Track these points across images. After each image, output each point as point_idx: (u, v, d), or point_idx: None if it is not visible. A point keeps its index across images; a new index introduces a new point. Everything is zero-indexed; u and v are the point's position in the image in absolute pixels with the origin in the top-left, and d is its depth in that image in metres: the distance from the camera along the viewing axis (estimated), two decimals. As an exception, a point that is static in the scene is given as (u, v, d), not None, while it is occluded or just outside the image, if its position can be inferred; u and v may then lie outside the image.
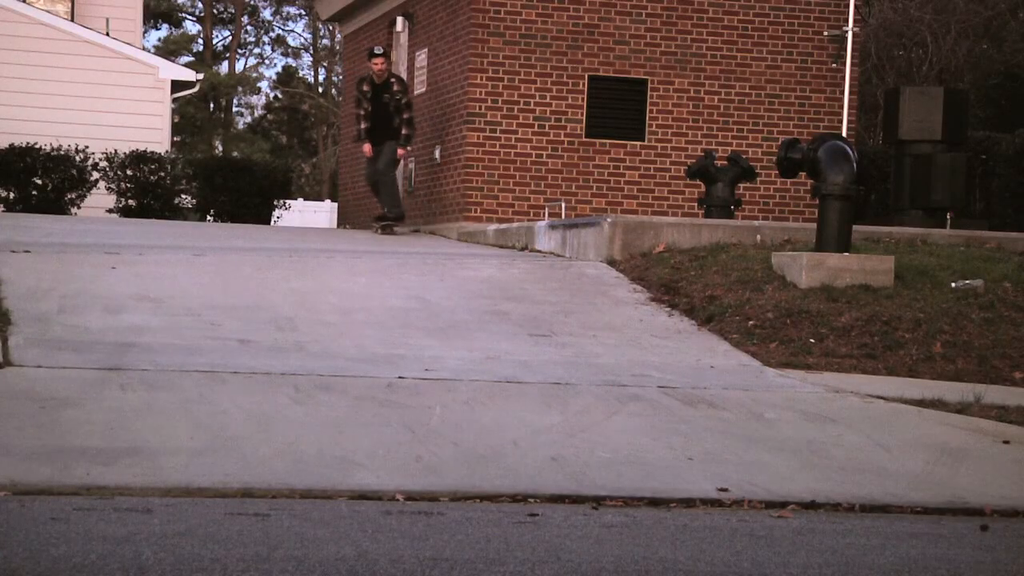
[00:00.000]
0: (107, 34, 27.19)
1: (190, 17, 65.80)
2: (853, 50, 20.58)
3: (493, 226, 18.72)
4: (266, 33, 67.58)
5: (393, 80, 19.20)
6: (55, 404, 8.40)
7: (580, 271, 14.41)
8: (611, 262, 14.74)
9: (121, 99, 25.87)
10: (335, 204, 34.13)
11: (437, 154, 20.95)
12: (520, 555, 5.88)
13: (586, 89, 20.21)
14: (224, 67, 64.41)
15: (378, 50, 19.19)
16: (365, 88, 19.12)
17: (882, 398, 10.06)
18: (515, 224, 18.28)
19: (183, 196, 24.20)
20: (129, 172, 23.65)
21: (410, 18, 22.61)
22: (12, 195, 23.13)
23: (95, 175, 23.58)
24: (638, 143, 20.40)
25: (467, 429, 8.48)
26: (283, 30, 68.82)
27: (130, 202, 23.64)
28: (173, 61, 34.10)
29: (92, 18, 28.35)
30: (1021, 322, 12.40)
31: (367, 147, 19.22)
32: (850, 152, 13.60)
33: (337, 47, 60.24)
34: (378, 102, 19.13)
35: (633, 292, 13.46)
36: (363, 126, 19.22)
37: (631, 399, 9.50)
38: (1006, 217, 20.22)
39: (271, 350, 10.39)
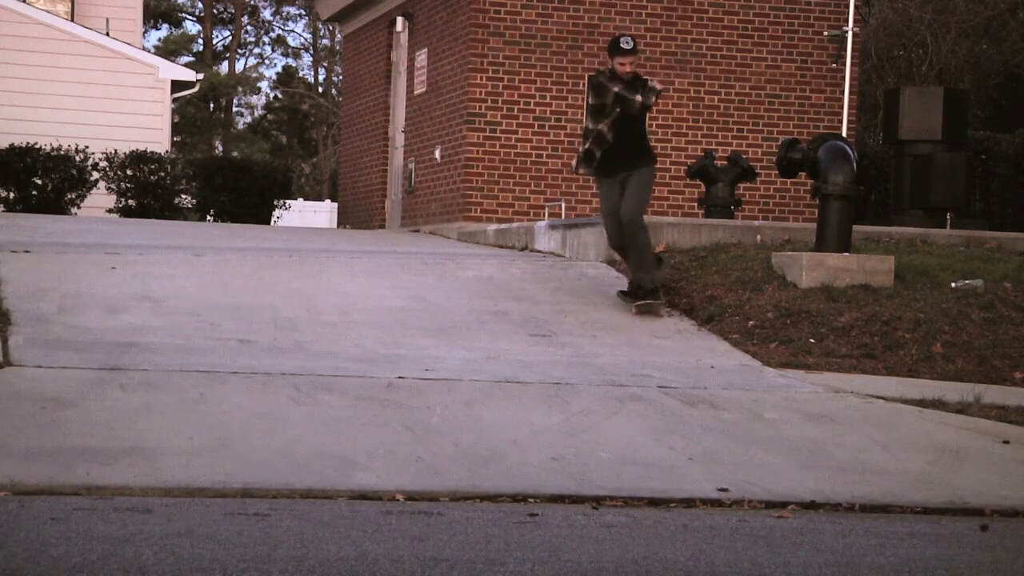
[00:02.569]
0: (107, 34, 27.19)
1: (190, 17, 65.83)
2: (853, 50, 20.58)
3: (493, 226, 18.72)
4: (266, 33, 67.60)
5: (647, 79, 13.17)
6: (55, 404, 8.40)
7: (580, 271, 14.41)
8: (611, 262, 14.74)
9: (121, 99, 25.87)
10: (335, 204, 34.15)
11: (437, 154, 20.95)
12: (520, 555, 5.88)
13: (586, 89, 20.20)
14: (224, 67, 64.42)
15: (627, 44, 12.77)
16: (616, 89, 12.76)
17: (882, 398, 10.06)
18: (515, 224, 18.28)
19: (183, 196, 24.20)
20: (129, 172, 23.65)
21: (410, 18, 22.61)
22: (12, 195, 23.13)
23: (95, 175, 23.58)
24: (638, 143, 20.37)
25: (467, 429, 8.48)
26: (283, 30, 68.84)
27: (130, 202, 23.65)
28: (173, 61, 34.10)
29: (92, 18, 28.35)
30: (1021, 322, 12.40)
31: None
32: (850, 152, 13.60)
33: (337, 47, 60.25)
34: (628, 105, 12.79)
35: (633, 292, 13.45)
36: (596, 151, 12.89)
37: (631, 399, 9.50)
38: (1006, 217, 20.22)
39: (271, 350, 10.39)
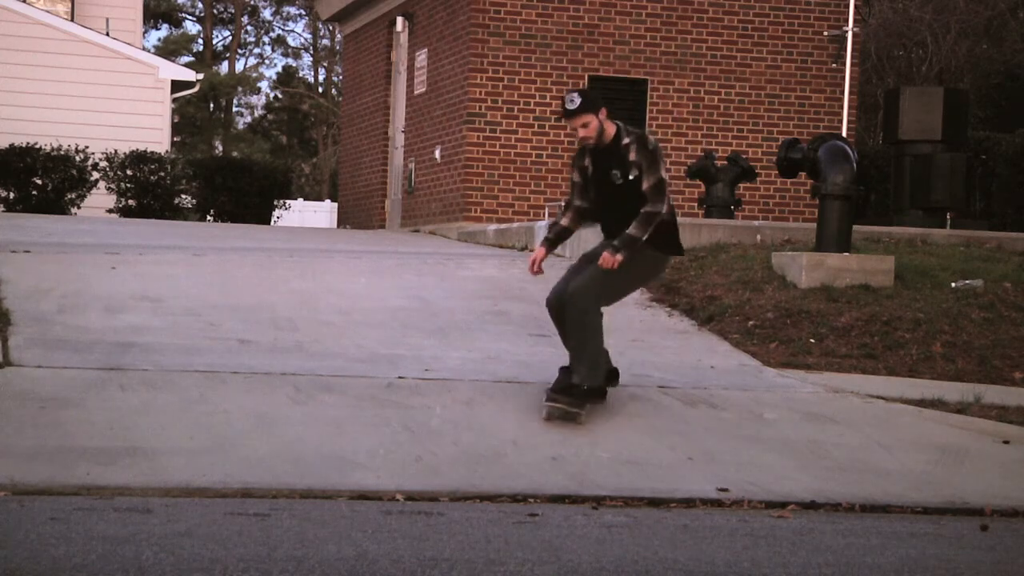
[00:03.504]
0: (107, 34, 27.19)
1: (190, 17, 65.84)
2: (853, 50, 20.58)
3: (493, 226, 18.72)
4: (266, 33, 67.62)
5: (628, 142, 9.35)
6: (55, 404, 8.40)
7: (580, 271, 14.40)
8: (611, 262, 14.72)
9: (121, 99, 25.87)
10: (335, 204, 34.15)
11: (437, 154, 20.96)
12: (520, 555, 5.88)
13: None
14: (224, 67, 64.43)
15: (572, 103, 9.29)
16: (586, 164, 9.53)
17: (882, 398, 10.06)
18: (515, 224, 18.28)
19: (183, 196, 24.21)
20: (129, 172, 23.66)
21: (410, 18, 22.62)
22: (12, 195, 23.14)
23: (95, 175, 23.59)
24: (638, 143, 20.37)
25: (467, 429, 8.47)
26: (283, 30, 68.88)
27: (130, 202, 23.65)
28: (173, 61, 34.10)
29: (92, 18, 28.35)
30: (1021, 322, 12.41)
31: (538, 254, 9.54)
32: (850, 152, 13.60)
33: (337, 47, 60.26)
34: (604, 185, 9.43)
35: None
36: (563, 222, 9.62)
37: (631, 399, 9.50)
38: (1006, 217, 20.22)
39: (271, 350, 10.39)
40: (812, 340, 11.84)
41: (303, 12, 64.94)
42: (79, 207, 23.41)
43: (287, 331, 11.11)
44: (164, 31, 65.89)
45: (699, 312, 12.64)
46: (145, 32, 49.07)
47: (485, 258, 15.22)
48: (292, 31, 76.40)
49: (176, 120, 40.62)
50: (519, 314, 12.38)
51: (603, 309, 9.29)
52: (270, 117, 67.48)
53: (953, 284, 13.14)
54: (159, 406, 8.52)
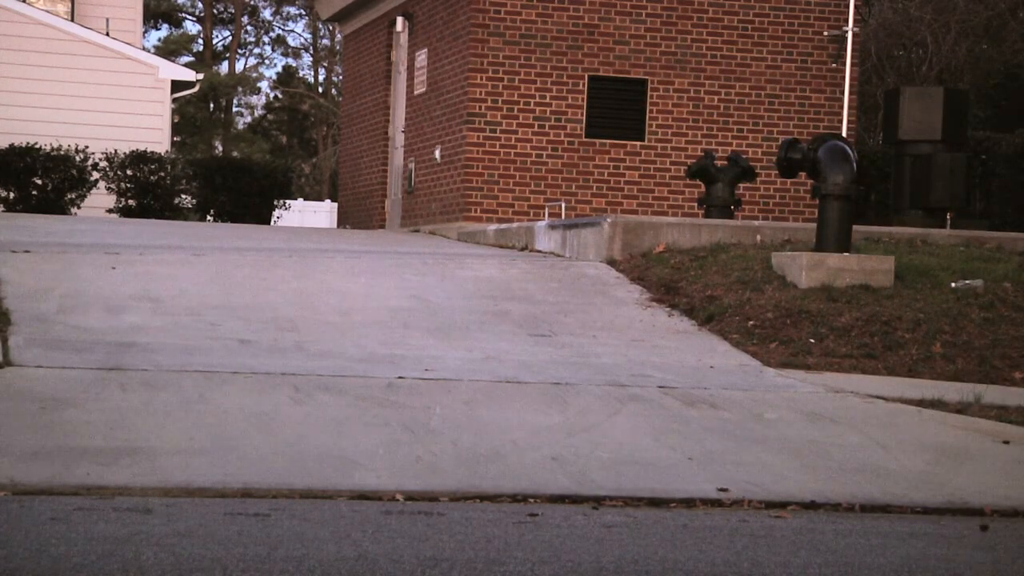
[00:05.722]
0: (107, 34, 27.19)
1: (190, 17, 65.84)
2: (853, 50, 20.58)
3: (493, 226, 18.72)
4: (266, 33, 67.64)
5: None
6: (55, 404, 8.40)
7: (580, 271, 14.41)
8: (611, 262, 14.74)
9: (121, 99, 25.87)
10: (335, 204, 34.15)
11: (437, 154, 20.95)
12: (520, 555, 5.88)
13: (586, 89, 20.22)
14: (224, 67, 64.43)
15: None
16: None
17: (882, 398, 10.06)
18: (515, 224, 18.28)
19: (183, 196, 24.22)
20: (129, 172, 23.67)
21: (410, 18, 22.62)
22: (12, 195, 23.14)
23: (95, 175, 23.60)
24: (638, 143, 20.40)
25: (467, 429, 8.47)
26: (283, 30, 68.86)
27: (130, 202, 23.66)
28: (173, 61, 34.10)
29: (92, 18, 28.35)
30: (1021, 322, 12.40)
31: None
32: (850, 152, 13.61)
33: (337, 47, 60.25)
34: None
35: (633, 292, 13.47)
36: None
37: (631, 399, 9.50)
38: (1006, 217, 20.23)
39: (271, 350, 10.39)
40: (812, 340, 11.84)
41: (303, 12, 64.95)
42: (79, 207, 23.42)
43: (287, 331, 11.11)
44: (164, 31, 65.93)
45: (699, 312, 12.64)
46: (145, 32, 49.07)
47: (485, 258, 15.22)
48: (292, 31, 76.40)
49: (176, 120, 40.62)
50: (519, 314, 12.37)
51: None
52: (270, 117, 67.49)
53: (953, 284, 13.14)
54: (159, 406, 8.52)
